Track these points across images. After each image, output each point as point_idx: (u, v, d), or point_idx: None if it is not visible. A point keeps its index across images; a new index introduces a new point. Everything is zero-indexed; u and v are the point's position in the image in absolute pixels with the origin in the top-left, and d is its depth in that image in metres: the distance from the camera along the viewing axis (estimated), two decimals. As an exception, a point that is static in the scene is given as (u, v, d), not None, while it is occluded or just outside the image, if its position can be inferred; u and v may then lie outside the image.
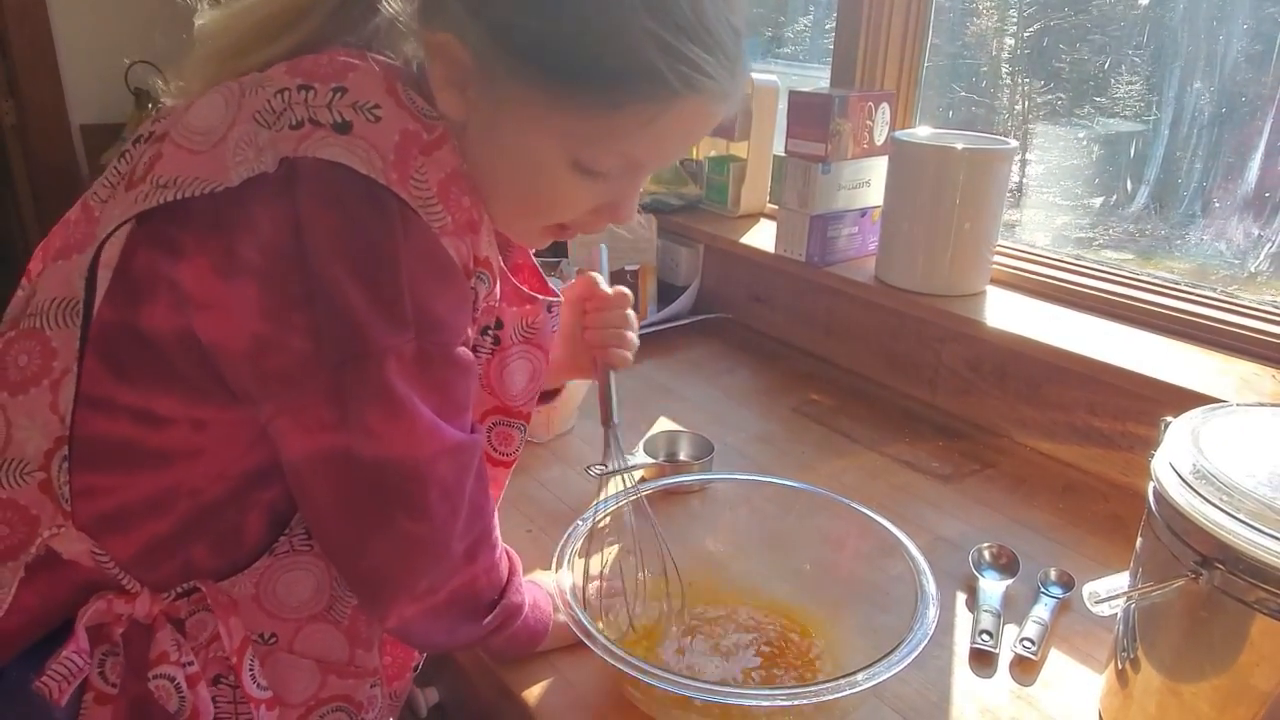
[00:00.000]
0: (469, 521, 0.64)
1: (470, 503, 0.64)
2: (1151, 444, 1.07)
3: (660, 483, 0.92)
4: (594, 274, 0.87)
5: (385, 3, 0.63)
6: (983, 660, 0.82)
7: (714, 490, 0.95)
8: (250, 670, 0.64)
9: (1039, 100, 1.37)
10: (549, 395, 0.92)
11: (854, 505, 0.86)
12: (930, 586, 0.74)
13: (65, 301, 0.60)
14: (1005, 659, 0.82)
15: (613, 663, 0.66)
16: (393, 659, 0.76)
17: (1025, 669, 0.81)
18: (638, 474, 0.88)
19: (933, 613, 0.70)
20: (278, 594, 0.66)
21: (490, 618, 0.70)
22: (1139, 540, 0.72)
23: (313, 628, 0.68)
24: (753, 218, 1.62)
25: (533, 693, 0.77)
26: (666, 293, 1.60)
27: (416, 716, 1.00)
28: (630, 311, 0.87)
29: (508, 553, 0.74)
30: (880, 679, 0.63)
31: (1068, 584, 0.90)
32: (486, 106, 0.61)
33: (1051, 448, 1.17)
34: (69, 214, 0.66)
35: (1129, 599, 0.71)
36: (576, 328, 0.86)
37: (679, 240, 1.63)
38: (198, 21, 0.66)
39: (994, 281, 1.29)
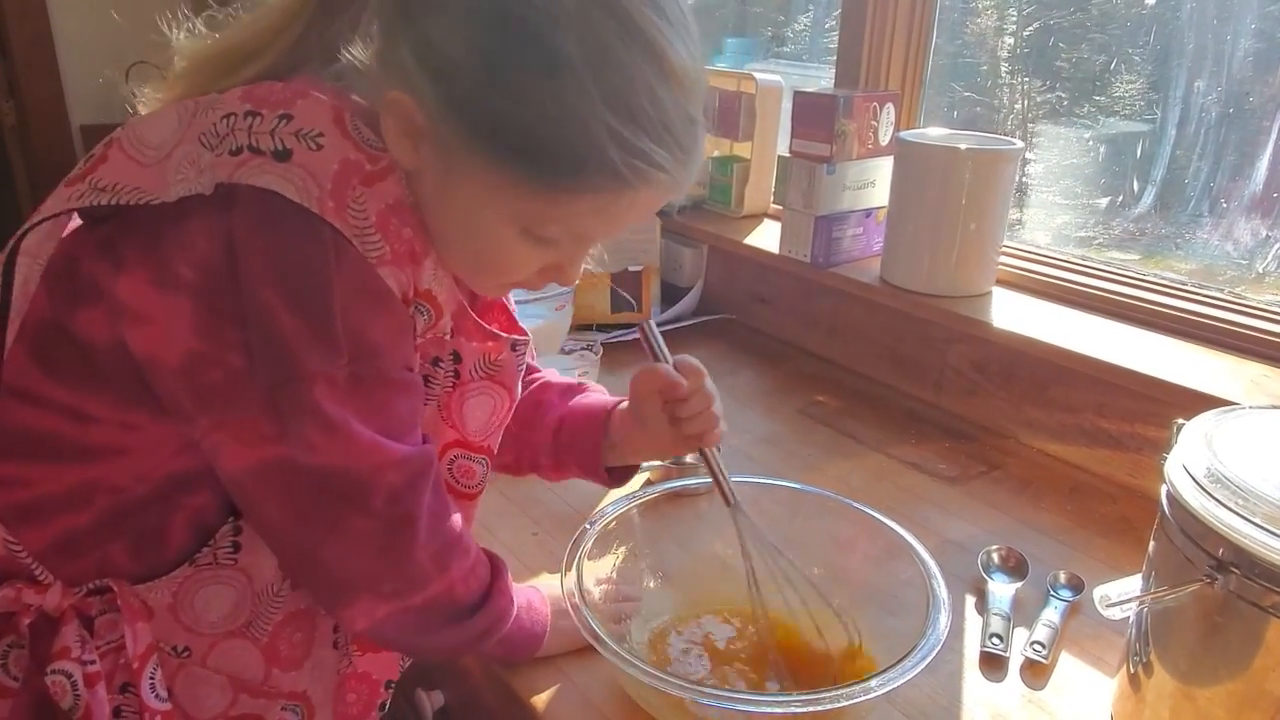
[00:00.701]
0: (431, 530, 0.64)
1: (430, 512, 0.64)
2: (1160, 446, 1.07)
3: (667, 485, 0.91)
4: (660, 366, 0.80)
5: (344, 50, 0.63)
6: (993, 664, 0.81)
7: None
8: (150, 679, 0.63)
9: (1040, 99, 1.36)
10: (626, 473, 0.90)
11: (863, 508, 0.85)
12: (941, 591, 0.73)
13: None
14: (1016, 662, 0.81)
15: (624, 668, 0.65)
16: (356, 696, 0.75)
17: (1036, 672, 0.80)
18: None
19: (945, 618, 0.70)
20: (195, 607, 0.66)
21: (475, 619, 0.69)
22: (1151, 544, 0.72)
23: (229, 644, 0.67)
24: (756, 218, 1.62)
25: (540, 698, 0.77)
26: (670, 293, 1.59)
27: (422, 720, 0.99)
28: (707, 379, 0.81)
29: (490, 556, 0.73)
30: (894, 685, 0.63)
31: (1077, 587, 0.90)
32: (438, 166, 0.61)
33: (1059, 449, 1.16)
34: None
35: (1141, 603, 0.71)
36: (658, 418, 0.81)
37: (682, 241, 1.62)
38: (174, 40, 0.66)
39: (1000, 282, 1.29)
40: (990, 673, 0.80)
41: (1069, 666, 0.81)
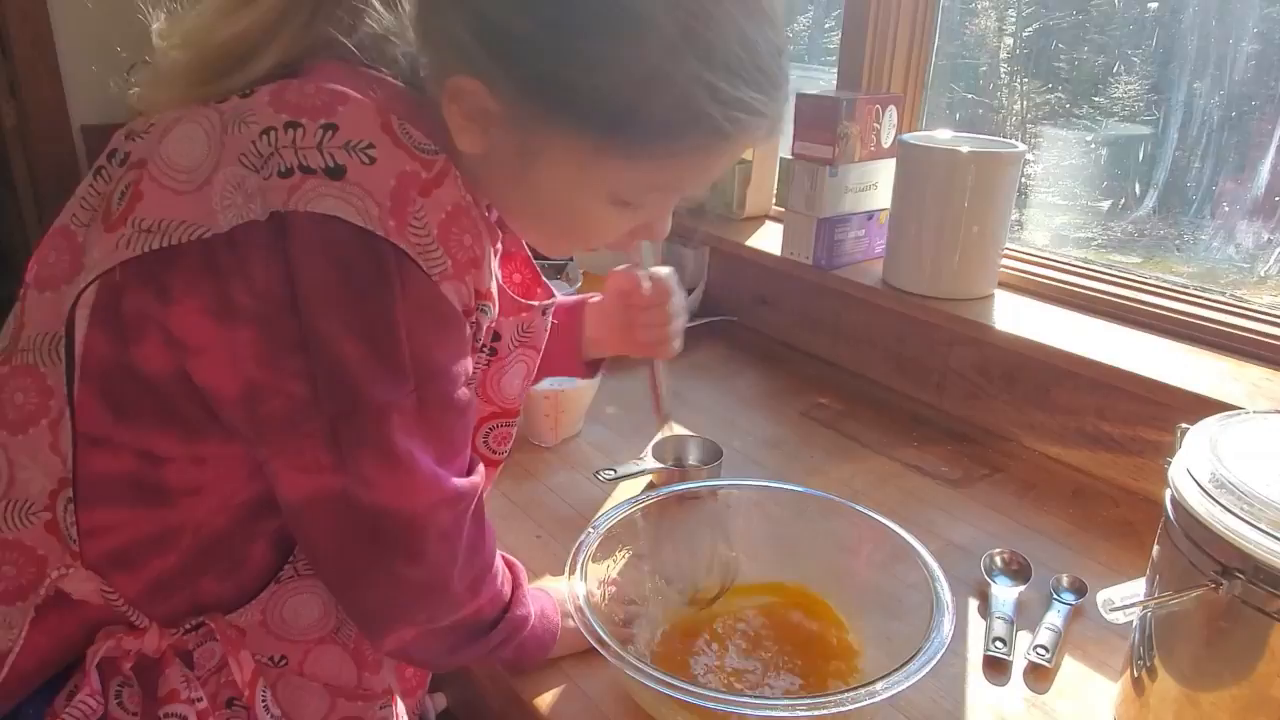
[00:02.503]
0: (468, 561, 0.64)
1: (469, 543, 0.63)
2: (1163, 449, 1.07)
3: (671, 488, 0.91)
4: (638, 271, 0.86)
5: (366, 19, 0.60)
6: (996, 668, 0.81)
7: (724, 496, 0.94)
8: (263, 700, 0.64)
9: (1039, 101, 1.36)
10: (594, 366, 0.95)
11: (866, 511, 0.86)
12: (945, 594, 0.73)
13: (55, 336, 0.59)
14: (1019, 666, 0.81)
15: (628, 671, 0.65)
16: (414, 670, 0.76)
17: (1039, 676, 0.80)
18: (646, 479, 0.89)
19: (948, 621, 0.70)
20: (284, 618, 0.66)
21: (494, 633, 0.69)
22: (1156, 548, 0.72)
23: (321, 650, 0.67)
24: (758, 220, 1.62)
25: (544, 700, 0.77)
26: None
27: (425, 723, 0.99)
28: (674, 297, 0.87)
29: (509, 564, 0.73)
30: (899, 689, 0.63)
31: (1080, 590, 0.90)
32: (514, 147, 0.58)
33: (1061, 452, 1.16)
34: (53, 230, 0.63)
35: (1145, 608, 0.71)
36: (622, 318, 0.88)
37: (684, 243, 1.62)
38: (154, 28, 0.62)
39: (1002, 285, 1.29)
40: (993, 676, 0.80)
41: (1072, 670, 0.81)
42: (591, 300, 0.91)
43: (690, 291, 1.57)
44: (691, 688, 0.63)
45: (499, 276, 0.68)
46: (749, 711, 0.61)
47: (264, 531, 0.63)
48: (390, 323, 0.55)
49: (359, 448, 0.56)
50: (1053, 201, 1.37)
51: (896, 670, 0.64)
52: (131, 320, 0.56)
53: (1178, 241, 1.24)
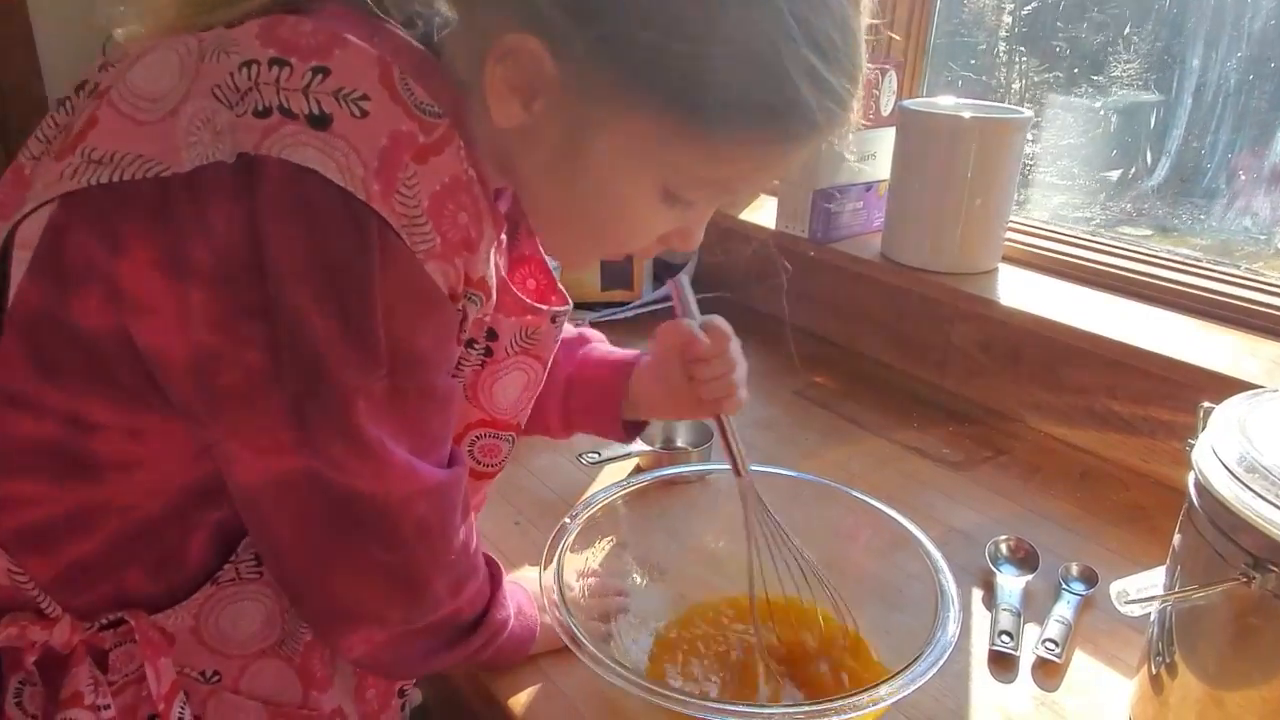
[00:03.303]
0: (452, 560, 0.59)
1: (452, 541, 0.58)
2: (1176, 429, 1.03)
3: (658, 473, 0.86)
4: (687, 321, 0.74)
5: None
6: (1003, 663, 0.76)
7: (714, 480, 0.89)
8: (179, 718, 0.57)
9: (1046, 65, 1.30)
10: (639, 427, 0.85)
11: (864, 497, 0.80)
12: (950, 586, 0.68)
13: None
14: (1026, 661, 0.76)
15: (606, 676, 0.60)
16: (376, 691, 0.70)
17: (1048, 672, 0.75)
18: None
19: (955, 617, 0.64)
20: (221, 628, 0.59)
21: (474, 638, 0.64)
22: (1177, 537, 0.67)
23: (261, 664, 0.61)
24: (752, 193, 1.56)
25: (519, 700, 0.71)
26: (662, 270, 1.53)
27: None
28: (733, 343, 0.75)
29: (489, 561, 0.68)
30: (905, 693, 0.57)
31: (1091, 579, 0.85)
32: (562, 125, 0.52)
33: (1067, 433, 1.11)
34: (8, 169, 0.57)
35: (1165, 602, 0.66)
36: (679, 376, 0.76)
37: (675, 217, 1.56)
38: None
39: (1006, 259, 1.23)
40: (1000, 673, 0.75)
41: (1084, 666, 0.76)
42: (643, 359, 0.82)
43: (682, 267, 1.51)
44: (671, 692, 0.57)
45: (500, 269, 0.61)
46: None
47: (204, 523, 0.57)
48: (366, 300, 0.48)
49: (327, 429, 0.50)
50: (1063, 173, 1.31)
51: (901, 672, 0.59)
52: (74, 268, 0.50)
53: (1191, 213, 1.18)
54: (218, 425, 0.51)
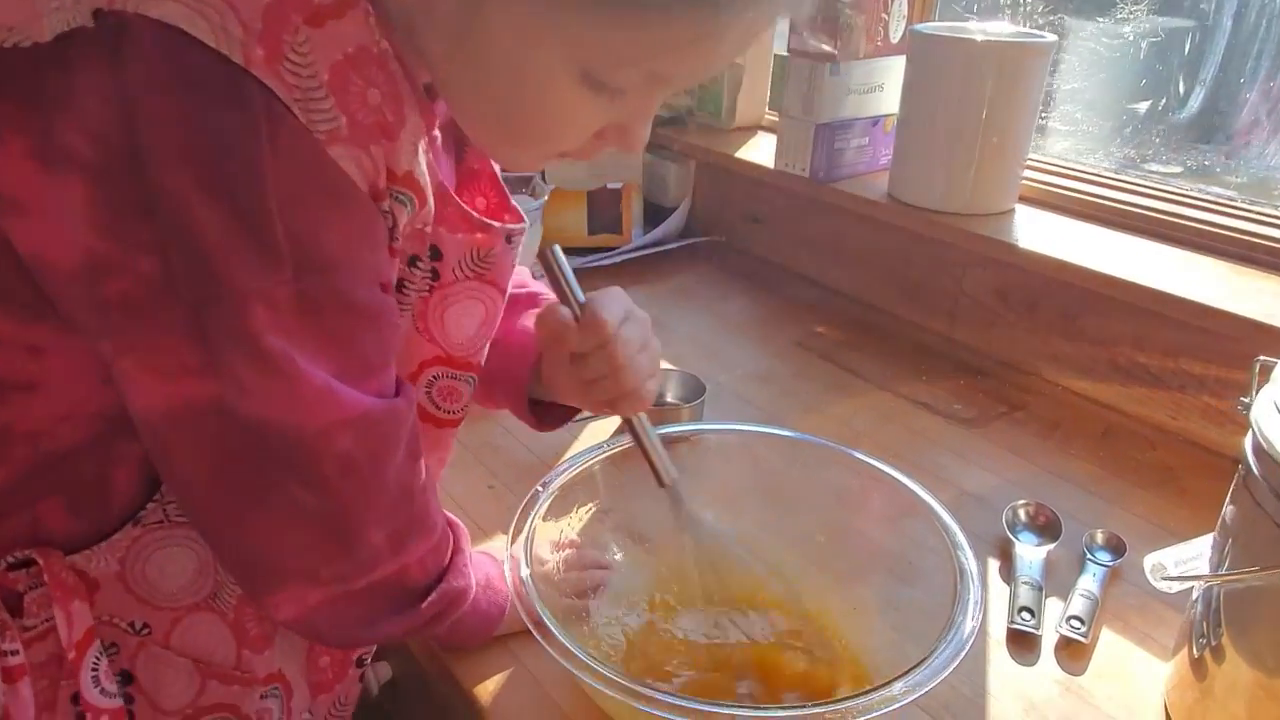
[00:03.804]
0: (393, 506, 0.51)
1: (395, 483, 0.51)
2: (1207, 383, 0.95)
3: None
4: (562, 308, 0.61)
5: None
6: (1023, 644, 0.69)
7: (706, 440, 0.81)
8: (94, 670, 0.51)
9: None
10: (560, 414, 0.73)
11: (870, 460, 0.73)
12: (970, 564, 0.61)
13: None
14: (1049, 641, 0.69)
15: (576, 672, 0.53)
16: (331, 660, 0.63)
17: (1074, 654, 0.68)
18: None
19: (975, 599, 0.57)
20: (148, 575, 0.53)
21: (426, 606, 0.56)
22: (1229, 508, 0.59)
23: (194, 620, 0.54)
24: (750, 130, 1.46)
25: (485, 688, 0.64)
26: (653, 214, 1.44)
27: (368, 695, 0.88)
28: (625, 330, 0.61)
29: (451, 523, 0.60)
30: (923, 691, 0.50)
31: (1118, 549, 0.77)
32: (465, 3, 0.45)
33: (1088, 387, 1.03)
34: None
35: (1212, 582, 0.58)
36: (566, 370, 0.64)
37: (667, 155, 1.47)
38: None
39: (1024, 199, 1.14)
40: (1020, 654, 0.68)
41: (1112, 646, 0.69)
42: None
43: (674, 210, 1.41)
44: (658, 694, 0.50)
45: (426, 165, 0.53)
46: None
47: (127, 456, 0.50)
48: (257, 187, 0.41)
49: (228, 344, 0.43)
50: (1083, 107, 1.21)
51: (917, 666, 0.51)
52: None
53: (1227, 149, 1.09)
54: (110, 342, 0.45)
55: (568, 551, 0.70)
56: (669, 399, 0.97)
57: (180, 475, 0.48)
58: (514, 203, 0.63)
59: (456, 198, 0.55)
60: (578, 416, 0.76)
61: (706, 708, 0.49)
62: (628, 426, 0.64)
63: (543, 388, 0.70)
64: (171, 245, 0.42)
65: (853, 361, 1.10)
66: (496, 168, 0.63)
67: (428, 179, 0.50)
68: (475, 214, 0.56)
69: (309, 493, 0.48)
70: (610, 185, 1.34)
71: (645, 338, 0.62)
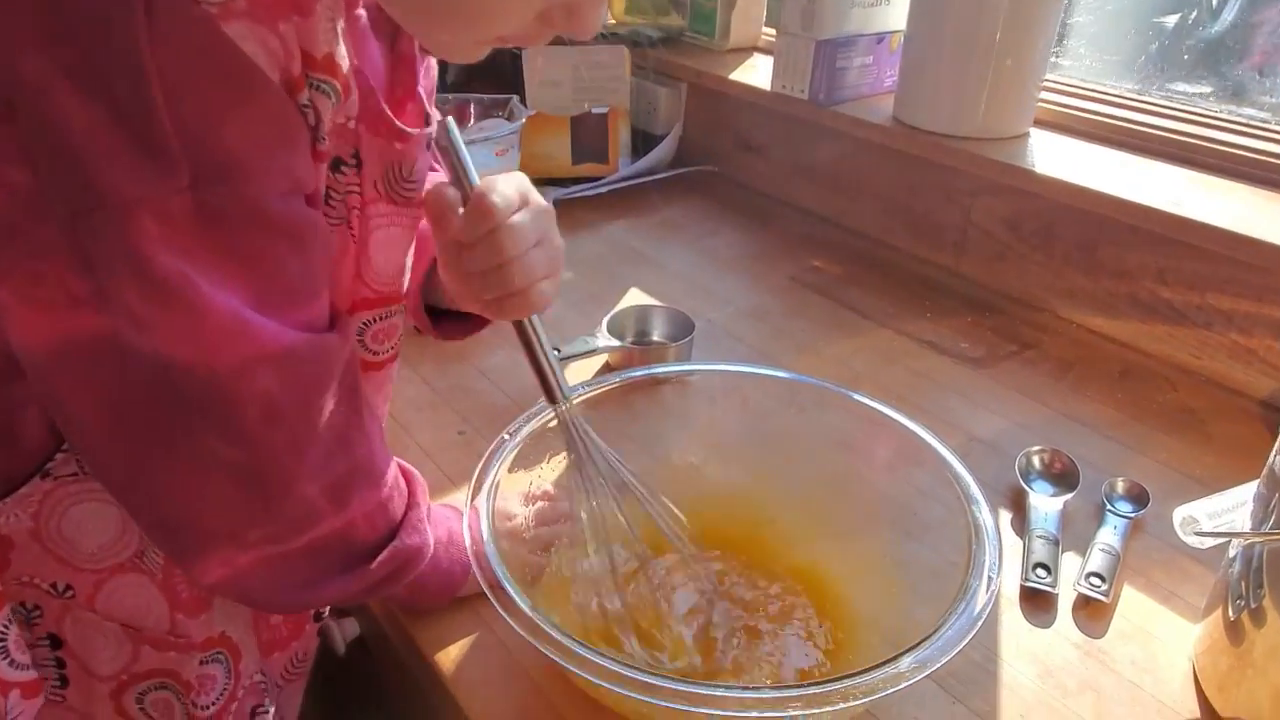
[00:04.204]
0: (328, 456, 0.45)
1: (328, 430, 0.44)
2: (1236, 319, 0.88)
3: (627, 373, 0.71)
4: (451, 189, 0.51)
5: None
6: (1038, 603, 0.63)
7: (693, 381, 0.74)
8: (1, 640, 0.45)
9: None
10: (461, 322, 0.65)
11: (873, 403, 0.66)
12: (985, 519, 0.54)
13: None
14: (1066, 600, 0.64)
15: (538, 644, 0.47)
16: (284, 616, 0.58)
17: (1093, 614, 0.63)
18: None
19: (991, 561, 0.51)
20: (65, 533, 0.47)
21: (376, 565, 0.50)
22: (1275, 456, 0.53)
23: (119, 580, 0.49)
24: (745, 52, 1.37)
25: (449, 654, 0.59)
26: (642, 141, 1.35)
27: (334, 652, 0.83)
28: (521, 220, 0.51)
29: (406, 474, 0.54)
30: (934, 668, 0.44)
31: (1140, 499, 0.71)
32: None
33: (1104, 324, 0.96)
34: None
35: (1255, 540, 0.52)
36: (452, 263, 0.54)
37: (657, 79, 1.37)
38: None
39: (1039, 123, 1.06)
40: (1035, 615, 0.63)
41: (1134, 605, 0.64)
42: None
43: (664, 137, 1.33)
44: (629, 672, 0.44)
45: (366, 78, 0.45)
46: (722, 712, 0.42)
47: (32, 398, 0.44)
48: (133, 71, 0.34)
49: (115, 267, 0.37)
50: (1104, 21, 1.12)
51: (929, 638, 0.45)
52: None
53: (1261, 66, 1.00)
54: None
55: (540, 504, 0.64)
56: (655, 337, 0.90)
57: (75, 424, 0.42)
58: (430, 108, 0.54)
59: (379, 95, 0.47)
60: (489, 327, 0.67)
61: (685, 687, 0.43)
62: (518, 332, 0.55)
63: (439, 290, 0.61)
64: (39, 149, 0.35)
65: (852, 298, 1.03)
66: (421, 70, 0.53)
67: (348, 66, 0.43)
68: (395, 120, 0.48)
69: (227, 443, 0.41)
70: (595, 110, 1.26)
71: (543, 230, 0.53)
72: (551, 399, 0.57)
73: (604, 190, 1.24)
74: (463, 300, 0.56)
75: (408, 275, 0.53)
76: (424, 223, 0.60)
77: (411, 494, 0.53)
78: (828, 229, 1.20)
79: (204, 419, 0.40)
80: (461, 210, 0.50)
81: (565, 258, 0.57)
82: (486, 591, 0.49)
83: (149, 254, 0.36)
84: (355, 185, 0.47)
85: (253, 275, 0.40)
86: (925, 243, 1.11)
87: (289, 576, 0.47)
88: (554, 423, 0.64)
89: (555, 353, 0.56)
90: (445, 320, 0.65)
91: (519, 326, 0.54)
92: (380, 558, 0.50)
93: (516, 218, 0.51)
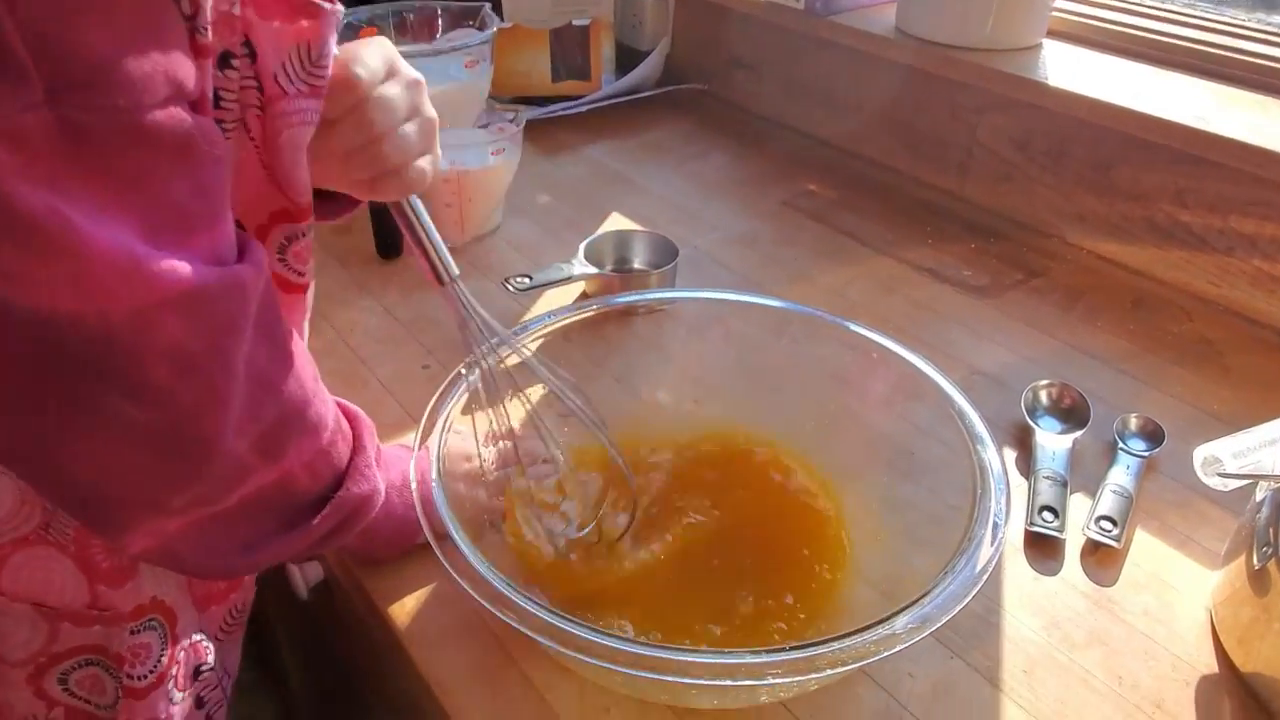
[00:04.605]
0: (254, 404, 0.39)
1: (249, 375, 0.38)
2: (1259, 244, 0.82)
3: (604, 301, 0.65)
4: (339, 52, 0.45)
5: None
6: (1044, 549, 0.59)
7: (676, 310, 0.69)
8: None
9: None
10: (337, 203, 0.55)
11: (868, 333, 0.61)
12: (992, 460, 0.49)
13: None
14: (1074, 546, 0.59)
15: (471, 590, 0.42)
16: None
17: (1103, 560, 0.58)
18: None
19: (999, 508, 0.46)
20: None
21: (320, 519, 0.45)
22: (1318, 390, 0.47)
23: (26, 556, 0.43)
24: (737, -40, 1.27)
25: (404, 606, 0.54)
26: (626, 57, 1.27)
27: (297, 597, 0.78)
28: (390, 90, 0.46)
29: (349, 414, 0.49)
30: (932, 629, 0.39)
31: (1155, 436, 0.66)
32: None
33: (1117, 250, 0.90)
34: None
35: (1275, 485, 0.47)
36: (319, 141, 0.46)
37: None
38: None
39: (1053, 33, 0.99)
40: (1041, 561, 0.58)
41: (1148, 550, 0.59)
42: None
43: (650, 53, 1.24)
44: (595, 637, 0.39)
45: None
46: (691, 680, 0.37)
47: None
48: None
49: None
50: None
51: (928, 595, 0.40)
52: None
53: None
54: None
55: (504, 444, 0.59)
56: (635, 264, 0.84)
57: None
58: None
59: None
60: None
61: (650, 652, 0.38)
62: (396, 214, 0.50)
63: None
64: None
65: (848, 223, 0.97)
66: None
67: None
68: None
69: (134, 403, 0.35)
70: (576, 22, 1.17)
71: (415, 102, 0.47)
72: (439, 281, 0.52)
73: (584, 110, 1.16)
74: (329, 180, 0.49)
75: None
76: None
77: (357, 437, 0.48)
78: (823, 150, 1.13)
79: (103, 379, 0.34)
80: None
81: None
82: (430, 540, 0.44)
83: (6, 189, 0.30)
84: (251, 80, 0.40)
85: (136, 203, 0.33)
86: (927, 164, 1.04)
87: (223, 538, 0.42)
88: (514, 358, 0.59)
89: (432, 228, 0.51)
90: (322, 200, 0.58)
91: (396, 208, 0.49)
92: (325, 510, 0.45)
93: (384, 89, 0.45)
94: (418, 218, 0.50)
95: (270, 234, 0.45)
